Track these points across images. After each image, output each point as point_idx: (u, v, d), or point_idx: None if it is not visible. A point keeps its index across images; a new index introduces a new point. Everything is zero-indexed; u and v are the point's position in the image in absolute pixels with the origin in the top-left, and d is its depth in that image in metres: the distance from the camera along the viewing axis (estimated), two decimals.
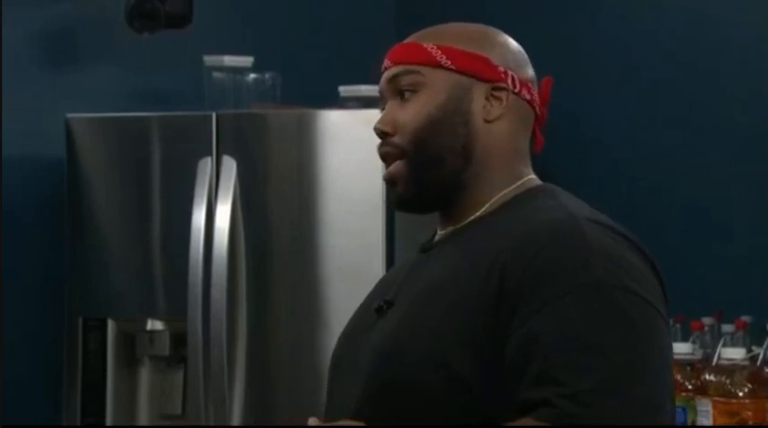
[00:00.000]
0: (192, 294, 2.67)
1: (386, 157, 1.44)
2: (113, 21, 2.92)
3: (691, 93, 2.81)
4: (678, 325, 2.59)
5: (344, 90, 2.79)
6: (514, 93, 1.44)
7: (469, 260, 1.37)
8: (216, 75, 2.88)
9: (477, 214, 1.42)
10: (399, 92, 1.44)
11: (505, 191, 1.43)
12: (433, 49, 1.43)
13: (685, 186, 2.81)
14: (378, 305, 1.43)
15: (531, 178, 1.46)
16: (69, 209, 2.84)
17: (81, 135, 2.83)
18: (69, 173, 2.83)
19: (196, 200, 2.69)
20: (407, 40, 1.46)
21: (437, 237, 1.46)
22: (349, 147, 2.63)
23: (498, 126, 1.43)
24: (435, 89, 1.42)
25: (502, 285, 1.33)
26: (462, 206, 1.44)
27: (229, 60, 2.88)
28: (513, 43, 1.47)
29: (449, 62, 1.43)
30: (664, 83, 2.86)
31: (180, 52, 3.01)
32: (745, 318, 2.52)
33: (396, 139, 1.43)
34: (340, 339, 1.48)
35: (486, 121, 1.43)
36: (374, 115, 2.62)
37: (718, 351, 2.42)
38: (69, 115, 2.85)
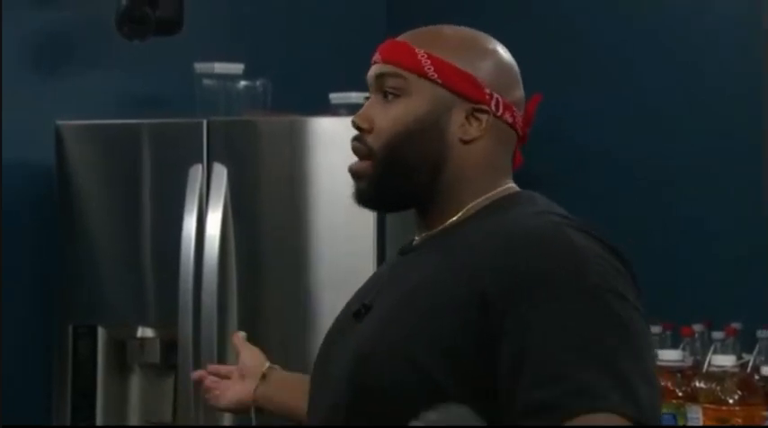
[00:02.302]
0: (183, 301, 2.67)
1: (356, 152, 1.44)
2: (104, 27, 2.92)
3: (682, 97, 2.82)
4: (668, 332, 2.60)
5: (335, 97, 2.79)
6: (496, 116, 1.43)
7: (448, 264, 1.37)
8: (207, 81, 2.88)
9: (454, 219, 1.42)
10: (383, 91, 1.44)
11: (482, 197, 1.43)
12: (423, 57, 1.42)
13: (675, 193, 2.82)
14: (356, 309, 1.43)
15: (510, 186, 1.46)
16: (59, 216, 2.83)
17: (71, 141, 2.83)
18: (59, 179, 2.83)
19: (187, 206, 2.69)
20: (401, 39, 1.45)
21: (415, 242, 1.46)
22: (340, 154, 2.62)
23: (474, 147, 1.42)
24: (418, 99, 1.42)
25: (485, 291, 1.32)
26: (438, 212, 1.44)
27: (220, 67, 2.88)
28: (505, 60, 1.46)
29: (436, 75, 1.42)
30: (656, 87, 2.87)
31: (170, 59, 3.01)
32: (736, 325, 2.53)
33: (369, 139, 1.43)
34: (322, 344, 1.48)
35: (462, 141, 1.42)
36: None
37: (708, 357, 2.42)
38: (59, 121, 2.84)
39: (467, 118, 1.42)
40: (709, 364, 2.39)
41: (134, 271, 2.75)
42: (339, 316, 1.49)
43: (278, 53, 3.19)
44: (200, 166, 2.71)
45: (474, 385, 1.31)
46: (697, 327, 2.56)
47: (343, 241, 2.61)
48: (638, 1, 2.90)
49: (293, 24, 3.25)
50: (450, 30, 1.47)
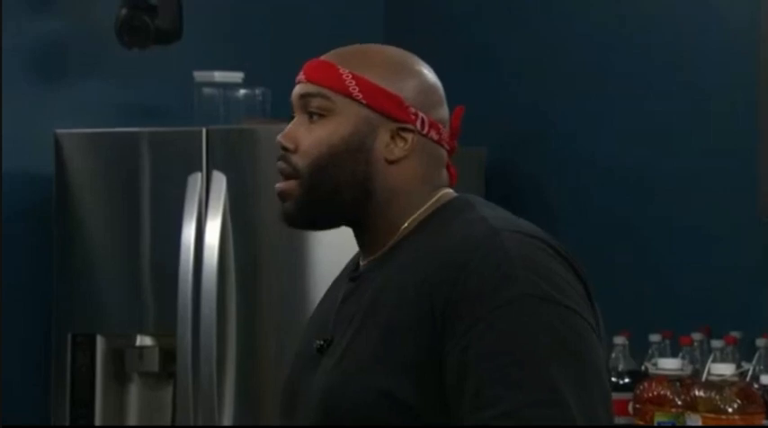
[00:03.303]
0: (182, 309, 2.67)
1: (281, 172, 1.44)
2: (103, 36, 2.92)
3: (679, 107, 2.82)
4: (667, 341, 2.59)
5: None
6: (422, 134, 1.43)
7: (396, 285, 1.37)
8: (206, 90, 2.88)
9: (395, 239, 1.42)
10: (308, 112, 1.44)
11: (417, 212, 1.43)
12: (348, 77, 1.42)
13: (673, 202, 2.82)
14: (318, 345, 1.43)
15: (446, 192, 1.45)
16: (58, 225, 2.83)
17: (70, 150, 2.83)
18: (58, 188, 2.83)
19: (186, 215, 2.69)
20: (326, 58, 1.45)
21: (361, 266, 1.45)
22: None
23: (401, 166, 1.42)
24: (343, 119, 1.41)
25: (432, 307, 1.33)
26: (375, 233, 1.43)
27: (219, 76, 2.88)
28: (430, 79, 1.46)
29: (360, 95, 1.41)
30: (651, 97, 2.87)
31: (170, 68, 3.01)
32: (735, 334, 2.53)
33: (294, 159, 1.43)
34: (287, 381, 1.48)
35: (388, 161, 1.42)
36: None
37: (707, 366, 2.42)
38: (58, 130, 2.84)
39: (392, 137, 1.42)
40: (709, 373, 2.39)
41: (133, 280, 2.75)
42: (300, 349, 1.48)
43: (277, 61, 3.19)
44: (199, 175, 2.71)
45: (441, 402, 1.32)
46: (696, 336, 2.56)
47: (342, 249, 2.61)
48: (636, 12, 2.90)
49: (292, 33, 3.25)
50: (375, 50, 1.47)
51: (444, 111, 1.46)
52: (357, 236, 1.45)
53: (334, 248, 2.63)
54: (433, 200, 1.43)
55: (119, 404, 2.78)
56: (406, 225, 1.42)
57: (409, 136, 1.42)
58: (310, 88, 1.44)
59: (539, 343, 1.30)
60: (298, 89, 1.46)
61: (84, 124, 2.88)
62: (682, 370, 2.44)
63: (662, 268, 2.81)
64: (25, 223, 2.94)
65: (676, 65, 2.82)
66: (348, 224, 1.44)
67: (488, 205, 1.43)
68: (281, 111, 2.91)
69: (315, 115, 1.43)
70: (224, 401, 2.66)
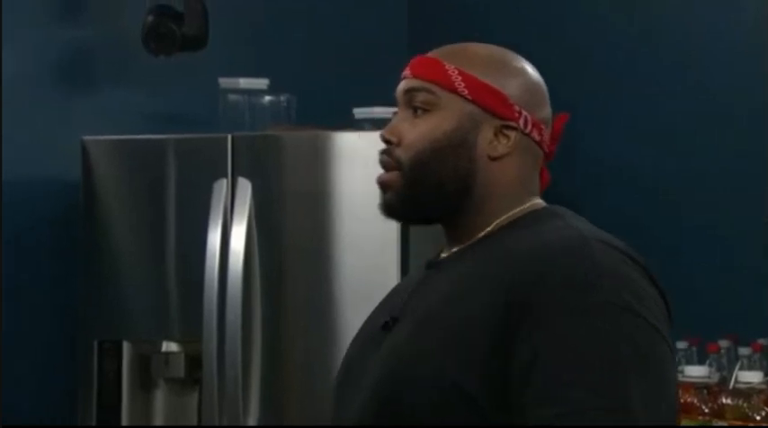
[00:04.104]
0: (207, 316, 2.67)
1: (383, 165, 1.45)
2: (130, 43, 2.94)
3: (688, 108, 2.81)
4: (694, 348, 2.58)
5: (359, 112, 2.79)
6: (524, 133, 1.44)
7: (476, 277, 1.38)
8: (231, 97, 2.89)
9: (483, 234, 1.43)
10: (413, 106, 1.45)
11: (511, 212, 1.44)
12: (454, 73, 1.43)
13: (699, 208, 2.80)
14: (384, 321, 1.43)
15: (538, 202, 1.46)
16: (85, 231, 2.85)
17: (97, 157, 2.85)
18: (85, 195, 2.84)
19: (211, 221, 2.69)
20: (432, 55, 1.46)
21: (444, 255, 1.46)
22: (363, 169, 2.63)
23: (502, 164, 1.43)
24: (447, 114, 1.43)
25: (510, 302, 1.34)
26: (464, 227, 1.44)
27: (245, 82, 2.89)
28: (534, 78, 1.47)
29: (466, 91, 1.43)
30: (660, 98, 2.86)
31: (196, 74, 3.02)
32: (762, 341, 2.51)
33: (398, 152, 1.44)
34: (345, 358, 1.48)
35: (491, 158, 1.43)
36: None
37: (734, 374, 2.40)
38: (85, 137, 2.86)
39: (495, 134, 1.43)
40: (736, 380, 2.37)
41: (159, 286, 2.76)
42: (363, 328, 1.49)
43: (302, 68, 3.20)
44: (224, 181, 2.71)
45: (505, 396, 1.32)
46: (723, 343, 2.54)
47: (367, 255, 2.61)
48: (646, 13, 2.90)
49: (317, 40, 3.26)
50: (479, 47, 1.47)
51: (547, 112, 1.47)
52: (446, 228, 1.46)
53: (358, 253, 2.64)
54: (525, 205, 1.44)
55: (145, 410, 2.78)
56: (496, 222, 1.42)
57: (512, 133, 1.43)
58: (416, 83, 1.44)
59: (616, 352, 1.30)
60: (403, 84, 1.47)
61: (111, 131, 2.89)
62: (709, 377, 2.42)
63: (689, 275, 2.79)
64: (52, 229, 2.96)
65: (685, 65, 2.81)
66: (442, 218, 1.45)
67: (578, 217, 1.44)
68: (305, 117, 2.92)
69: (419, 110, 1.44)
70: (249, 406, 2.66)
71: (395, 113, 1.47)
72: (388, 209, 1.45)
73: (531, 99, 1.45)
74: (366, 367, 1.41)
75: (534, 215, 1.43)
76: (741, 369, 2.42)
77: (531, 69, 1.47)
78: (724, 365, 2.52)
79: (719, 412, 2.37)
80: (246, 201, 2.69)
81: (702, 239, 2.80)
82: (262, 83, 2.90)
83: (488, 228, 1.42)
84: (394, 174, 1.43)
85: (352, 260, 2.61)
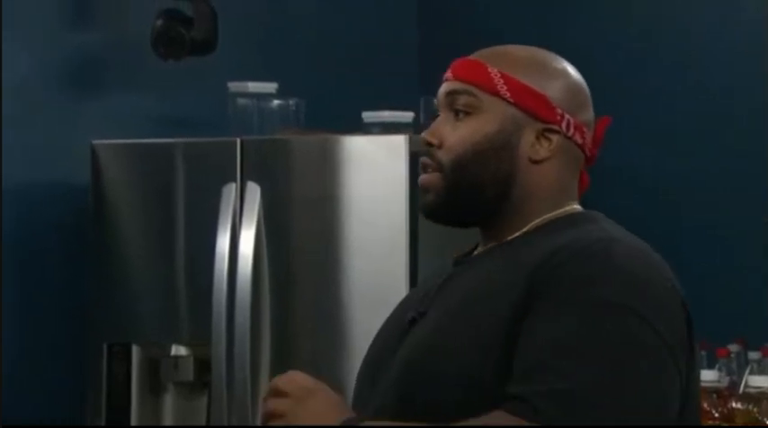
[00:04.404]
0: (216, 319, 2.67)
1: (425, 167, 1.45)
2: (139, 47, 2.94)
3: (688, 108, 2.81)
4: (704, 353, 2.57)
5: (368, 115, 2.79)
6: (566, 136, 1.43)
7: (504, 275, 1.38)
8: (240, 101, 2.89)
9: (517, 234, 1.43)
10: (454, 109, 1.44)
11: (548, 215, 1.44)
12: (496, 75, 1.43)
13: (700, 208, 2.80)
14: (411, 316, 1.43)
15: (576, 206, 1.46)
16: (94, 235, 2.85)
17: (106, 161, 2.85)
18: (94, 199, 2.85)
19: (220, 225, 2.70)
20: (474, 57, 1.46)
21: (476, 252, 1.47)
22: (372, 173, 2.64)
23: (543, 167, 1.43)
24: (489, 117, 1.42)
25: (528, 294, 1.34)
26: (502, 227, 1.44)
27: (253, 86, 2.89)
28: (576, 79, 1.46)
29: (508, 94, 1.42)
30: (660, 99, 2.85)
31: (205, 78, 3.02)
32: None
33: (439, 154, 1.43)
34: (368, 352, 1.48)
35: (532, 161, 1.42)
36: (397, 141, 2.65)
37: (744, 378, 2.40)
38: (95, 141, 2.86)
39: (537, 138, 1.43)
40: (746, 385, 2.37)
41: (168, 290, 2.76)
42: (386, 324, 1.49)
43: (311, 72, 3.20)
44: (233, 185, 2.72)
45: None
46: (733, 348, 2.54)
47: (376, 258, 2.61)
48: (645, 14, 2.89)
49: (326, 43, 3.26)
50: (521, 49, 1.47)
51: (590, 114, 1.47)
52: (482, 227, 1.46)
53: (367, 257, 2.64)
54: (564, 209, 1.44)
55: (154, 413, 2.79)
56: (531, 224, 1.43)
57: (554, 136, 1.43)
58: (458, 86, 1.44)
59: (604, 347, 1.29)
60: (445, 87, 1.46)
61: (120, 135, 2.90)
62: (719, 381, 2.42)
63: (698, 279, 2.78)
64: (61, 233, 2.97)
65: (685, 65, 2.81)
66: (481, 220, 1.44)
67: (613, 223, 1.44)
68: (314, 121, 2.92)
69: (461, 113, 1.43)
70: (258, 410, 2.66)
71: (434, 117, 1.46)
72: (429, 211, 1.44)
73: (573, 101, 1.44)
74: (389, 361, 1.41)
75: (570, 218, 1.43)
76: (751, 373, 2.41)
77: (572, 71, 1.47)
78: (734, 369, 2.51)
79: (729, 416, 2.36)
80: (255, 205, 2.69)
81: (702, 239, 2.79)
82: (271, 87, 2.90)
83: (524, 229, 1.42)
84: (435, 176, 1.43)
85: (361, 263, 2.61)
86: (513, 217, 1.43)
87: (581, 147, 1.45)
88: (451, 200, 1.42)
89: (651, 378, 1.31)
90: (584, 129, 1.45)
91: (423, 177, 1.44)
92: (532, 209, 1.43)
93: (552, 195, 1.44)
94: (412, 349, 1.39)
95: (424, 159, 1.44)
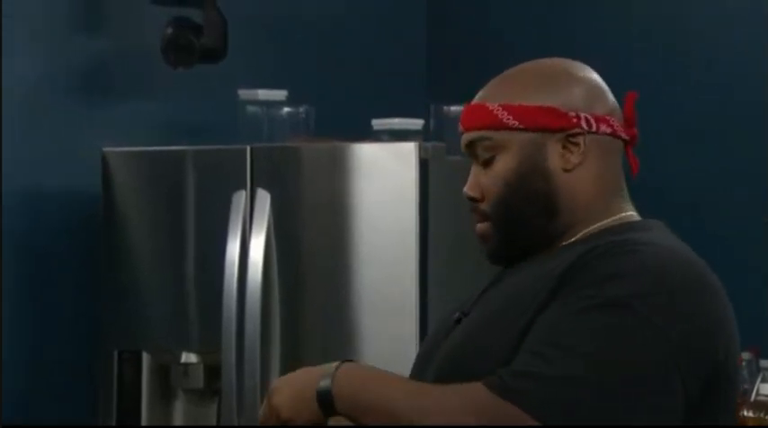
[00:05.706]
0: (226, 326, 2.68)
1: (475, 218, 1.49)
2: (149, 55, 2.95)
3: (690, 108, 2.80)
4: None
5: (377, 123, 2.80)
6: (592, 133, 1.44)
7: (540, 281, 1.40)
8: (250, 108, 2.90)
9: (569, 241, 1.45)
10: (479, 158, 1.47)
11: (602, 222, 1.45)
12: (498, 110, 1.45)
13: (707, 213, 2.79)
14: (457, 316, 1.48)
15: (630, 214, 1.47)
16: (104, 242, 2.86)
17: (117, 168, 2.86)
18: (105, 206, 2.85)
19: (230, 232, 2.70)
20: (475, 102, 1.48)
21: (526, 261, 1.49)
22: (382, 180, 2.64)
23: (580, 172, 1.44)
24: (509, 152, 1.45)
25: (552, 293, 1.37)
26: (562, 238, 1.46)
27: (263, 94, 2.90)
28: (581, 77, 1.47)
29: (516, 123, 1.44)
30: (661, 99, 2.85)
31: (214, 86, 3.03)
32: None
33: (483, 207, 1.47)
34: (422, 347, 1.54)
35: (566, 171, 1.44)
36: (407, 148, 2.65)
37: (756, 386, 2.39)
38: (105, 148, 2.87)
39: (564, 147, 1.44)
40: (758, 393, 2.36)
41: (178, 297, 2.76)
42: (438, 323, 1.54)
43: (321, 80, 3.20)
44: (243, 192, 2.72)
45: None
46: (745, 356, 2.53)
47: (385, 266, 2.61)
48: (647, 13, 2.89)
49: (336, 51, 3.27)
50: (518, 71, 1.48)
51: (609, 101, 1.47)
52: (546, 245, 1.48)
53: (377, 264, 2.64)
54: (615, 217, 1.45)
55: (164, 420, 2.79)
56: (583, 232, 1.44)
57: (580, 139, 1.44)
58: (471, 136, 1.48)
59: (599, 345, 1.30)
60: (462, 140, 1.50)
61: (131, 142, 2.90)
62: None
63: None
64: (72, 240, 2.97)
65: (685, 65, 2.80)
66: (543, 242, 1.46)
67: (670, 234, 1.45)
68: (324, 128, 2.93)
69: (485, 158, 1.47)
70: None
71: (469, 166, 1.49)
72: (494, 259, 1.49)
73: (585, 98, 1.45)
74: (434, 357, 1.46)
75: (620, 227, 1.44)
76: (763, 381, 2.40)
77: (576, 69, 1.47)
78: (745, 378, 2.50)
79: (741, 424, 2.36)
80: (265, 212, 2.70)
81: (702, 239, 2.78)
82: (280, 94, 2.91)
83: (577, 236, 1.44)
84: (486, 226, 1.47)
85: (371, 271, 2.61)
86: (568, 228, 1.45)
87: (613, 135, 1.45)
88: (509, 241, 1.46)
89: (640, 379, 1.31)
90: (609, 118, 1.45)
91: (478, 227, 1.48)
92: (583, 215, 1.44)
93: (597, 197, 1.44)
94: (451, 348, 1.43)
95: (472, 213, 1.49)
